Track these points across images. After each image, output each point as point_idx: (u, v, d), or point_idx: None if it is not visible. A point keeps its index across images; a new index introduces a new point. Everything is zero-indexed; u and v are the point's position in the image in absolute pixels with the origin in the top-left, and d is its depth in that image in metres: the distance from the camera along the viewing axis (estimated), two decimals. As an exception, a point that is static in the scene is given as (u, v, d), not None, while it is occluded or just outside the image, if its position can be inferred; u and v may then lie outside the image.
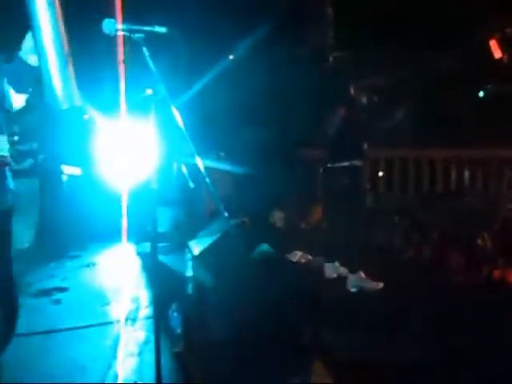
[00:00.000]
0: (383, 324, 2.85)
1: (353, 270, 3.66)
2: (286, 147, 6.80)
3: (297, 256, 4.45)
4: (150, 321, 3.07)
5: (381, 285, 3.58)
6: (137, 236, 5.15)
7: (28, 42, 1.74)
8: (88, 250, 5.18)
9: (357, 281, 3.59)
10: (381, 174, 7.11)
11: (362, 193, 4.83)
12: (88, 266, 4.63)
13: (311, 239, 4.58)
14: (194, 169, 2.33)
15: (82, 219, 5.31)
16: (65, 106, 1.74)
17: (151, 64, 1.86)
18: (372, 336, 2.69)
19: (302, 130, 6.32)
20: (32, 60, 1.74)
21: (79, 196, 5.41)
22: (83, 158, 5.20)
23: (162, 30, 1.87)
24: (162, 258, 4.76)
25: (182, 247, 4.98)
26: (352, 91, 3.87)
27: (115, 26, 1.83)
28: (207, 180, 2.16)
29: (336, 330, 2.84)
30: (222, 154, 7.30)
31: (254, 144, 7.08)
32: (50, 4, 1.62)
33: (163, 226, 5.43)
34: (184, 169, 5.54)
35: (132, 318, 3.16)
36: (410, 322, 2.88)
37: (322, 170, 5.33)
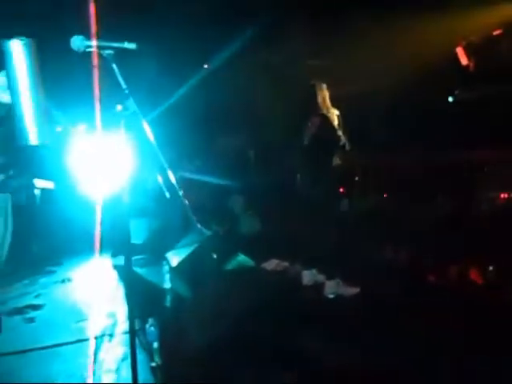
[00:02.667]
0: (358, 330, 2.89)
1: (330, 277, 3.71)
2: (260, 154, 6.87)
3: (273, 264, 4.48)
4: (127, 336, 3.03)
5: (357, 290, 3.64)
6: (112, 249, 5.08)
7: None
8: (63, 264, 5.08)
9: (334, 287, 3.64)
10: (356, 178, 7.26)
11: (336, 198, 4.87)
12: (63, 281, 4.54)
13: (288, 246, 4.61)
14: (169, 180, 2.33)
15: (56, 234, 5.21)
16: (36, 143, 1.76)
17: (121, 80, 1.86)
18: (348, 342, 2.73)
19: (276, 137, 6.40)
20: (3, 98, 1.75)
21: (53, 210, 5.31)
22: (56, 171, 5.11)
23: (131, 46, 1.87)
24: (138, 270, 4.74)
25: (158, 258, 4.95)
26: (327, 99, 3.91)
27: (83, 43, 1.82)
28: (179, 192, 2.16)
29: (313, 336, 2.88)
30: (198, 162, 7.32)
31: (228, 152, 7.13)
32: (26, 45, 1.64)
33: (139, 238, 5.39)
34: (160, 179, 5.54)
35: (109, 334, 3.11)
36: (385, 327, 2.93)
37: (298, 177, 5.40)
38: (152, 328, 2.83)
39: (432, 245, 4.70)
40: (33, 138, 1.73)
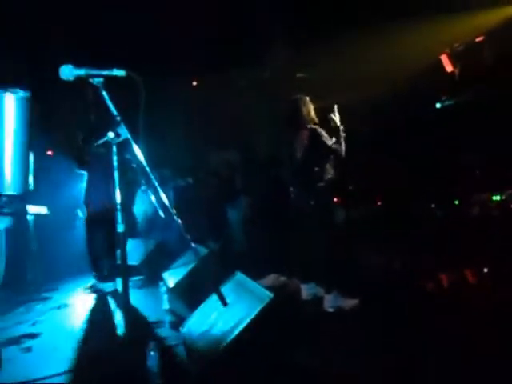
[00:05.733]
0: (360, 344, 2.87)
1: (329, 290, 3.69)
2: (251, 169, 6.88)
3: (271, 279, 4.46)
4: (128, 361, 2.98)
5: (356, 301, 3.62)
6: (108, 271, 5.04)
7: None
8: (58, 290, 5.02)
9: (333, 300, 3.62)
10: (350, 188, 7.30)
11: (331, 209, 4.88)
12: (59, 307, 4.48)
13: (285, 260, 4.60)
14: (162, 200, 2.33)
15: (50, 259, 5.16)
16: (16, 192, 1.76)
17: (112, 107, 1.86)
18: (348, 358, 2.71)
19: (267, 151, 6.43)
20: None
21: (46, 235, 5.26)
22: (49, 196, 5.08)
23: (120, 72, 1.87)
24: (135, 291, 4.69)
25: (155, 279, 4.91)
26: (312, 112, 3.95)
27: (72, 72, 1.83)
28: (172, 211, 2.15)
29: (313, 352, 2.85)
30: (190, 179, 7.31)
31: (220, 167, 7.14)
32: (19, 99, 1.65)
33: (135, 259, 5.35)
34: (153, 199, 5.53)
35: (108, 360, 3.06)
36: (387, 339, 2.91)
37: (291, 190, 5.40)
38: (152, 352, 2.80)
39: (429, 251, 4.72)
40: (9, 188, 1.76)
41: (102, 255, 5.01)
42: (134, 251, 5.33)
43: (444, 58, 6.66)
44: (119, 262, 5.67)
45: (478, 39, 6.21)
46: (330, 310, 3.59)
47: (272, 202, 5.52)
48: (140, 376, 2.06)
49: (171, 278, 4.21)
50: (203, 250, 3.99)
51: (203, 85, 7.37)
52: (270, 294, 2.43)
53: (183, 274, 3.94)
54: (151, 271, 5.04)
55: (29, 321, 4.04)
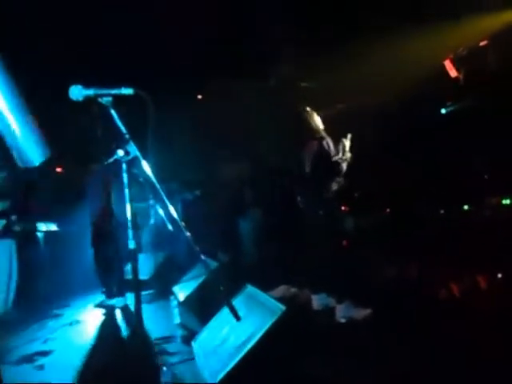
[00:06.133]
0: (372, 354, 2.84)
1: (340, 300, 3.67)
2: (261, 180, 6.89)
3: (282, 290, 4.44)
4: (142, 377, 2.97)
5: (369, 311, 3.59)
6: (117, 287, 5.04)
7: None
8: (70, 306, 5.03)
9: (345, 310, 3.60)
10: (356, 195, 7.27)
11: (340, 218, 4.87)
12: (71, 324, 4.48)
13: (295, 271, 4.59)
14: (170, 213, 2.33)
15: (61, 276, 5.18)
16: (35, 163, 1.70)
17: (121, 125, 1.88)
18: (362, 369, 2.68)
19: (275, 162, 6.44)
20: None
21: (57, 252, 5.29)
22: (59, 213, 5.12)
23: (128, 91, 1.90)
24: (145, 306, 4.68)
25: (165, 293, 4.91)
26: (318, 123, 3.96)
27: (82, 92, 1.85)
28: (181, 224, 2.15)
29: (326, 362, 2.82)
30: (198, 192, 7.33)
31: (230, 179, 7.16)
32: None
33: (145, 273, 5.35)
34: (161, 212, 5.55)
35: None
36: (401, 349, 2.88)
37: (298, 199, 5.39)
38: (165, 368, 2.80)
39: (440, 257, 4.68)
40: (31, 158, 1.70)
41: (109, 271, 5.04)
42: (143, 265, 5.34)
43: (448, 64, 6.66)
44: (127, 276, 5.72)
45: (481, 43, 6.21)
46: (343, 320, 3.57)
47: (281, 213, 5.52)
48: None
49: (181, 291, 4.20)
50: (213, 263, 3.98)
51: (208, 98, 7.42)
52: (282, 307, 2.42)
53: (193, 288, 3.93)
54: (161, 285, 5.03)
55: (41, 338, 4.04)
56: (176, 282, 4.65)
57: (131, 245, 1.95)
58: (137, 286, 2.03)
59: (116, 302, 4.91)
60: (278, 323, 2.36)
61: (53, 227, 5.05)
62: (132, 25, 5.53)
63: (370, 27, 5.86)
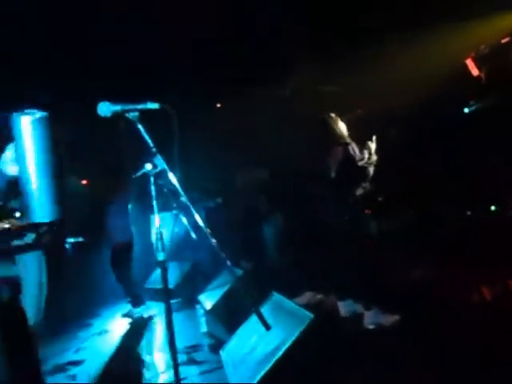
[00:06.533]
0: (403, 362, 2.80)
1: (368, 306, 3.63)
2: (281, 186, 6.88)
3: (307, 297, 4.42)
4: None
5: (397, 317, 3.54)
6: (140, 297, 5.12)
7: (8, 153, 1.74)
8: (100, 316, 5.12)
9: (373, 317, 3.55)
10: (379, 199, 7.19)
11: (365, 223, 4.82)
12: (100, 333, 4.56)
13: (319, 277, 4.55)
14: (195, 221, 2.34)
15: (90, 286, 5.28)
16: (42, 220, 1.73)
17: (148, 139, 1.92)
18: (391, 374, 2.64)
19: (296, 168, 6.42)
20: (10, 170, 1.74)
21: (85, 263, 5.40)
22: (86, 226, 5.22)
23: (154, 106, 1.93)
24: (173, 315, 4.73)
25: (191, 302, 4.95)
26: (342, 129, 3.94)
27: (110, 108, 1.90)
28: (206, 231, 2.16)
29: (356, 370, 2.79)
30: (219, 200, 7.38)
31: (250, 186, 7.18)
32: (36, 120, 1.64)
33: (171, 282, 5.40)
34: (185, 221, 5.60)
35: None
36: (433, 357, 2.83)
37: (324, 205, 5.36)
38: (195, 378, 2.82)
39: (467, 261, 4.58)
40: (39, 217, 1.71)
41: (131, 284, 5.14)
42: (169, 274, 5.38)
43: (469, 62, 6.55)
44: (150, 286, 5.75)
45: (503, 41, 6.09)
46: (371, 326, 3.52)
47: (304, 219, 5.50)
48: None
49: (208, 300, 4.23)
50: (238, 271, 4.00)
51: (227, 105, 7.47)
52: (310, 315, 2.41)
53: (219, 296, 3.95)
54: (187, 294, 5.07)
55: (72, 348, 4.12)
56: (201, 290, 4.68)
57: (161, 257, 1.98)
58: (167, 296, 2.06)
59: (141, 311, 4.98)
60: (306, 331, 2.36)
61: (80, 239, 5.16)
62: (148, 35, 5.61)
63: (389, 29, 5.81)
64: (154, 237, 6.08)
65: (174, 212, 4.99)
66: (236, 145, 6.97)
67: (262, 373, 2.29)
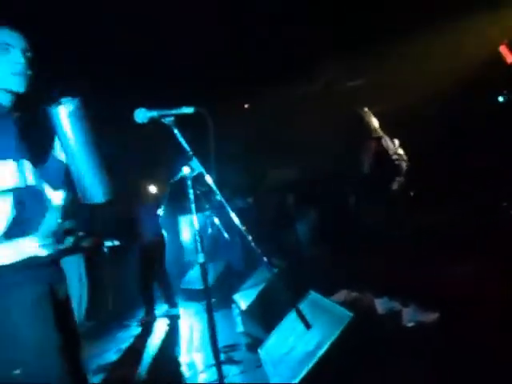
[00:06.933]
0: (442, 361, 2.73)
1: (405, 303, 3.57)
2: (314, 183, 6.84)
3: (343, 295, 4.37)
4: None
5: (437, 315, 3.46)
6: (183, 295, 5.19)
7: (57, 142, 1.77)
8: (138, 317, 5.22)
9: (412, 314, 3.49)
10: (411, 194, 7.05)
11: (400, 218, 4.74)
12: (139, 335, 4.65)
13: (354, 275, 4.50)
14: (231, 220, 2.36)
15: (127, 287, 5.40)
16: (96, 201, 1.76)
17: (184, 143, 1.94)
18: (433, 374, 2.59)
19: (326, 165, 6.38)
20: (62, 157, 1.78)
21: (123, 265, 5.52)
22: (122, 229, 5.35)
23: (189, 110, 1.96)
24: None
25: (226, 301, 4.98)
26: (374, 123, 3.90)
27: (146, 114, 1.93)
28: (243, 228, 2.17)
29: (396, 368, 2.74)
30: (250, 200, 7.40)
31: (281, 184, 7.18)
32: (72, 109, 1.67)
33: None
34: (217, 222, 5.63)
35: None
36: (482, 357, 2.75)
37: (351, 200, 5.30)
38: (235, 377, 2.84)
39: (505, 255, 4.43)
40: (92, 197, 1.73)
41: (166, 284, 5.22)
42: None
43: (503, 49, 6.34)
44: (185, 286, 5.81)
45: (539, 26, 5.88)
46: (410, 324, 3.46)
47: (337, 215, 5.46)
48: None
49: (243, 299, 4.24)
50: (274, 270, 4.00)
51: (256, 105, 7.48)
52: (350, 313, 2.39)
53: (255, 295, 3.95)
54: (222, 294, 5.11)
55: (113, 349, 4.22)
56: (236, 290, 4.71)
57: (201, 258, 2.01)
58: (209, 296, 2.09)
59: (175, 311, 5.07)
60: (346, 330, 2.34)
61: (117, 242, 5.28)
62: (175, 38, 5.66)
63: (420, 19, 5.68)
64: (187, 239, 6.21)
65: (207, 213, 5.04)
66: (265, 144, 6.98)
67: (304, 372, 2.28)
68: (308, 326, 2.34)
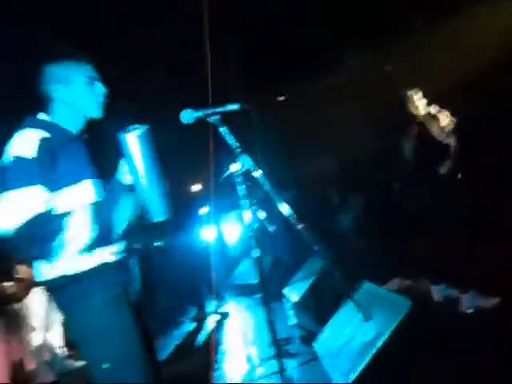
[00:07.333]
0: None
1: (463, 289, 3.45)
2: (355, 174, 6.73)
3: (397, 283, 4.28)
4: (267, 379, 3.07)
5: (498, 299, 3.33)
6: (233, 291, 5.24)
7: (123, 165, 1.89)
8: (189, 315, 5.33)
9: (471, 300, 3.37)
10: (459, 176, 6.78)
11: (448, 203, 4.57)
12: (193, 331, 4.74)
13: (404, 262, 4.40)
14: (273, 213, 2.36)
15: (179, 285, 5.52)
16: (156, 220, 1.89)
17: (231, 140, 1.95)
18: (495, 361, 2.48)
19: (367, 151, 6.26)
20: (126, 180, 1.90)
21: (172, 264, 5.64)
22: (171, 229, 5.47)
23: (234, 107, 1.96)
24: (258, 309, 4.81)
25: (276, 295, 4.99)
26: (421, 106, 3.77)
27: (193, 114, 1.95)
28: (293, 217, 2.15)
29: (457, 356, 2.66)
30: (294, 191, 7.37)
31: (324, 176, 7.11)
32: (140, 135, 1.77)
33: (255, 277, 5.49)
34: (261, 215, 5.63)
35: (248, 380, 3.18)
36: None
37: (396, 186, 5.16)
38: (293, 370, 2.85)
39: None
40: (155, 216, 1.86)
41: (215, 278, 5.29)
42: (252, 269, 5.49)
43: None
44: (235, 281, 5.88)
45: None
46: (469, 310, 3.34)
47: (383, 202, 5.35)
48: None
49: (293, 292, 4.24)
50: (326, 260, 3.96)
51: (291, 97, 7.42)
52: (409, 302, 2.34)
53: (306, 287, 3.94)
54: (271, 288, 5.13)
55: (170, 346, 4.32)
56: (285, 283, 4.71)
57: (256, 253, 2.02)
58: (264, 290, 2.11)
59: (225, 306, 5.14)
60: (406, 319, 2.30)
61: (167, 242, 5.40)
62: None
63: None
64: (232, 235, 6.24)
65: (253, 208, 5.05)
66: (306, 136, 6.93)
67: (364, 363, 2.26)
68: (368, 317, 2.30)
